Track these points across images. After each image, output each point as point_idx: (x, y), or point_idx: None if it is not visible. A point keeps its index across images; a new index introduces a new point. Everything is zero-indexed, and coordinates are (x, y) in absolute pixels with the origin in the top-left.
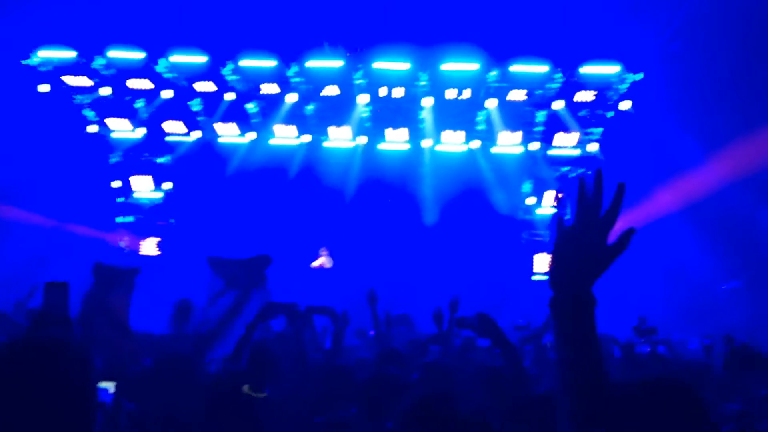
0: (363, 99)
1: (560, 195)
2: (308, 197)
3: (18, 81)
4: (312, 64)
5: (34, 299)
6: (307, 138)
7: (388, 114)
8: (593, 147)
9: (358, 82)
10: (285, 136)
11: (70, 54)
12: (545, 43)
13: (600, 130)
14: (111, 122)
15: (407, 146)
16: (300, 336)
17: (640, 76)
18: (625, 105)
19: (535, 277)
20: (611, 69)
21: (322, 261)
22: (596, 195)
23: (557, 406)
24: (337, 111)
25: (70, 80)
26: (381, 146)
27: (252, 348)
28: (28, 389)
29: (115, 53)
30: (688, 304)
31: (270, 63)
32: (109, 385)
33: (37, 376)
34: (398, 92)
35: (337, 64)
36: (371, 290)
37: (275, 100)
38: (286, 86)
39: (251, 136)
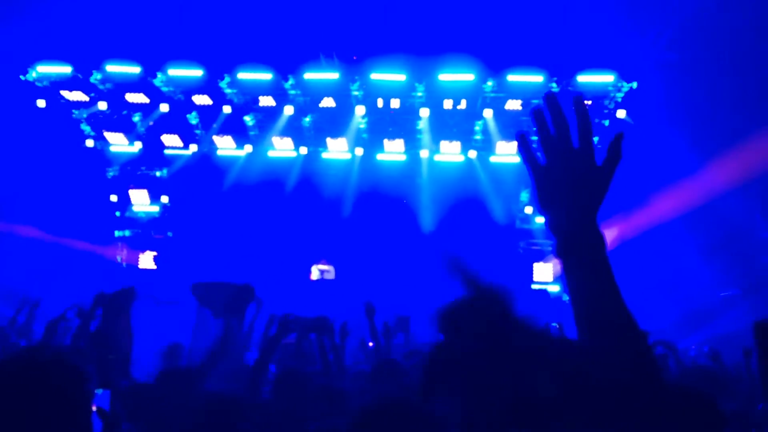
0: (360, 110)
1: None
2: (306, 209)
3: (16, 96)
4: (309, 76)
5: (23, 314)
6: (304, 150)
7: (385, 125)
8: None
9: (354, 93)
10: (282, 148)
11: (67, 69)
12: (541, 53)
13: (596, 138)
14: (108, 136)
15: (404, 157)
16: (324, 352)
17: (635, 84)
18: (621, 113)
19: (534, 286)
20: (606, 78)
21: (325, 272)
22: (559, 121)
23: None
24: (335, 123)
25: (68, 95)
26: (379, 157)
27: (281, 376)
28: (23, 406)
29: (112, 68)
30: (686, 311)
31: (267, 76)
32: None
33: (32, 393)
34: (395, 103)
35: (333, 76)
36: (368, 302)
37: (272, 113)
38: (283, 98)
39: (249, 148)
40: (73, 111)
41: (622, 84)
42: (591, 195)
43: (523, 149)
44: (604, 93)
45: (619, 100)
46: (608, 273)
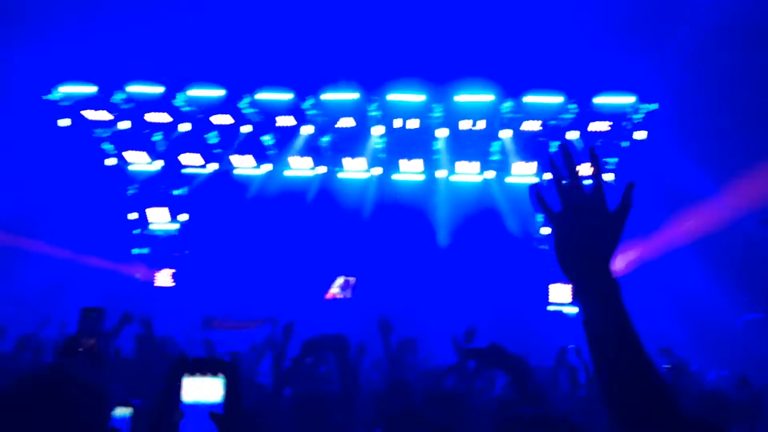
0: (378, 130)
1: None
2: (324, 228)
3: (39, 115)
4: (327, 96)
5: (46, 330)
6: (322, 169)
7: (402, 145)
8: (609, 177)
9: (372, 113)
10: (300, 167)
11: (90, 89)
12: (559, 74)
13: (615, 160)
14: (129, 155)
15: (422, 177)
16: (344, 371)
17: (654, 106)
18: (640, 135)
19: (550, 308)
20: (626, 99)
21: (348, 281)
22: (571, 170)
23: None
24: (352, 142)
25: (90, 114)
26: (396, 177)
27: (298, 397)
28: (39, 423)
29: (134, 88)
30: (706, 335)
31: (286, 96)
32: (125, 412)
33: (48, 410)
34: (413, 123)
35: (352, 96)
36: (385, 320)
37: (291, 132)
38: (301, 118)
39: (267, 167)
40: (95, 130)
41: (641, 106)
42: (604, 242)
43: (537, 200)
44: (623, 114)
45: (639, 121)
46: (622, 316)
